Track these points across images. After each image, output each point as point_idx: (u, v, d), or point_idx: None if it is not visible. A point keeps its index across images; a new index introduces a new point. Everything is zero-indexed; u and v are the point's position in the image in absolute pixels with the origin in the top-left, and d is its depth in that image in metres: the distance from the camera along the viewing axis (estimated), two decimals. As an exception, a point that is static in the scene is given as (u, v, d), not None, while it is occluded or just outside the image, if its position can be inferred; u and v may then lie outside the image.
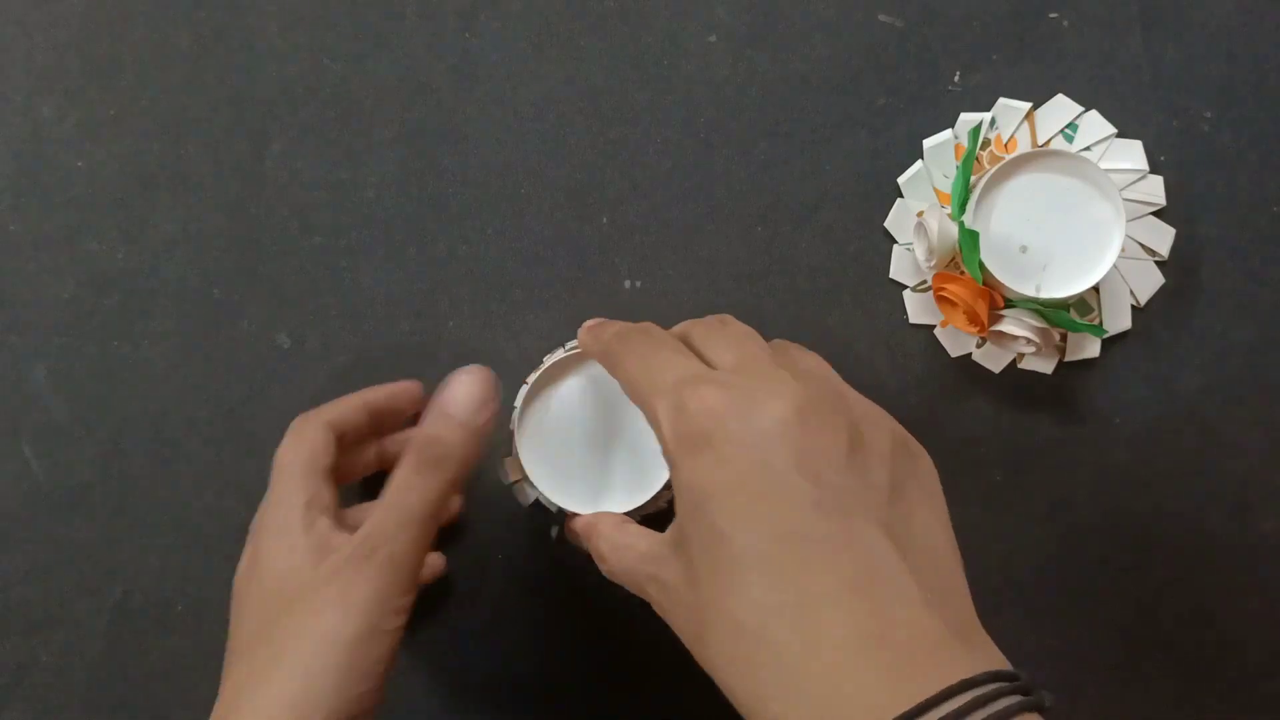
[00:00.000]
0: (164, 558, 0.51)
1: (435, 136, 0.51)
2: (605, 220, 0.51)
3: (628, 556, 0.36)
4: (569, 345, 0.46)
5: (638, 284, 0.51)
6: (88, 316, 0.51)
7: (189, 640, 0.51)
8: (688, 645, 0.33)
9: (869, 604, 0.29)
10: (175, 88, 0.51)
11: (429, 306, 0.51)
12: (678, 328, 0.39)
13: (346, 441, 0.43)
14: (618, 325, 0.39)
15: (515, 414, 0.43)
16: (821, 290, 0.50)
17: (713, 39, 0.51)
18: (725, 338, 0.36)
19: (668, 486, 0.42)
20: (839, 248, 0.51)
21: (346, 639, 0.36)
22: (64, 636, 0.51)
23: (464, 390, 0.40)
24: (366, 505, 0.44)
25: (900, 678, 0.28)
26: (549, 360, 0.44)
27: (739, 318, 0.40)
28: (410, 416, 0.46)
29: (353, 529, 0.39)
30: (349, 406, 0.43)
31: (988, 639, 0.31)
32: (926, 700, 0.27)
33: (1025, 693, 0.29)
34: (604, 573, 0.38)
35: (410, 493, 0.38)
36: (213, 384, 0.51)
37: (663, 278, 0.51)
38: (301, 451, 0.41)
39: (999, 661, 0.30)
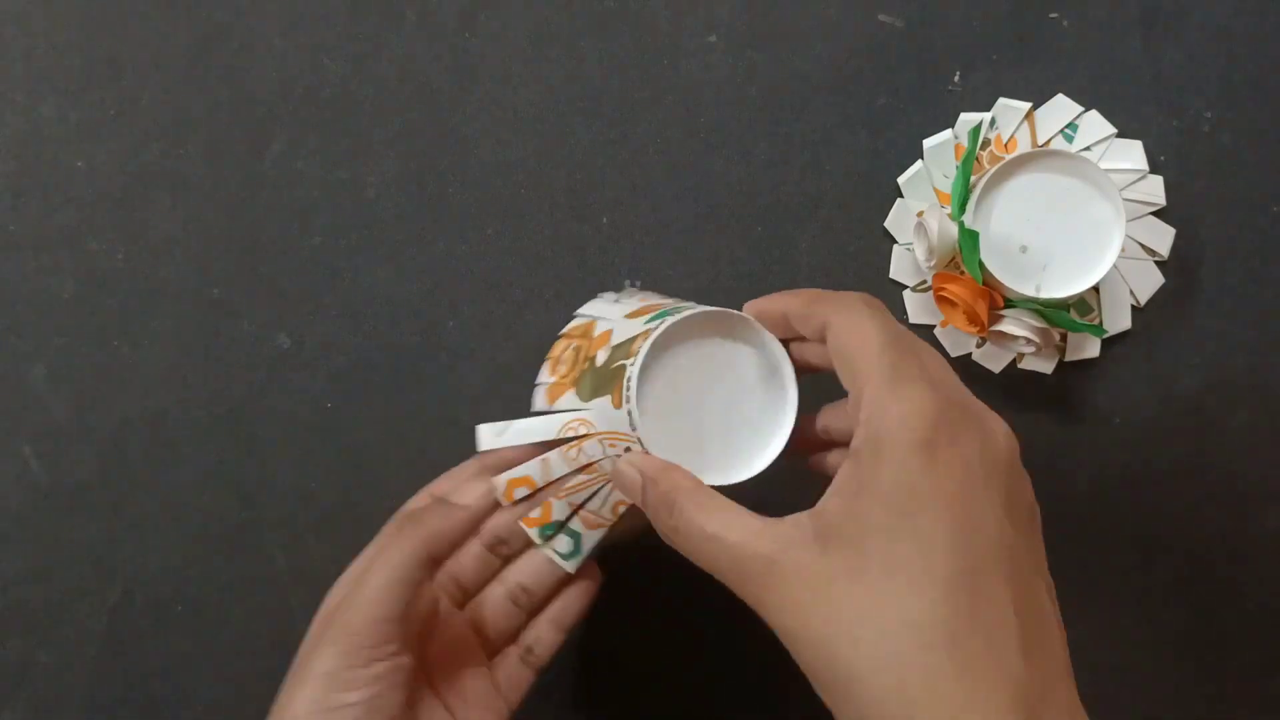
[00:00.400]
0: (164, 558, 0.51)
1: (435, 136, 0.51)
2: (605, 220, 0.51)
3: (722, 529, 0.35)
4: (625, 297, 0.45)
5: (638, 284, 0.51)
6: (88, 316, 0.51)
7: (189, 640, 0.51)
8: (794, 632, 0.32)
9: (1033, 660, 0.30)
10: (175, 88, 0.51)
11: (429, 306, 0.51)
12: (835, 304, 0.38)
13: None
14: (816, 293, 0.38)
15: (636, 367, 0.40)
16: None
17: (713, 39, 0.51)
18: (923, 354, 0.36)
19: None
20: (839, 248, 0.51)
21: (304, 713, 0.37)
22: (64, 636, 0.51)
23: (473, 490, 0.42)
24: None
25: None
26: (669, 320, 0.41)
27: (739, 318, 0.40)
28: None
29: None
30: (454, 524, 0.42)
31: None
32: None
33: None
34: (667, 530, 0.37)
35: (387, 568, 0.39)
36: (213, 384, 0.51)
37: (663, 278, 0.51)
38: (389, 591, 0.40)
39: None
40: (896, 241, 0.50)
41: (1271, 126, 0.50)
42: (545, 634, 0.43)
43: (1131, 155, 0.49)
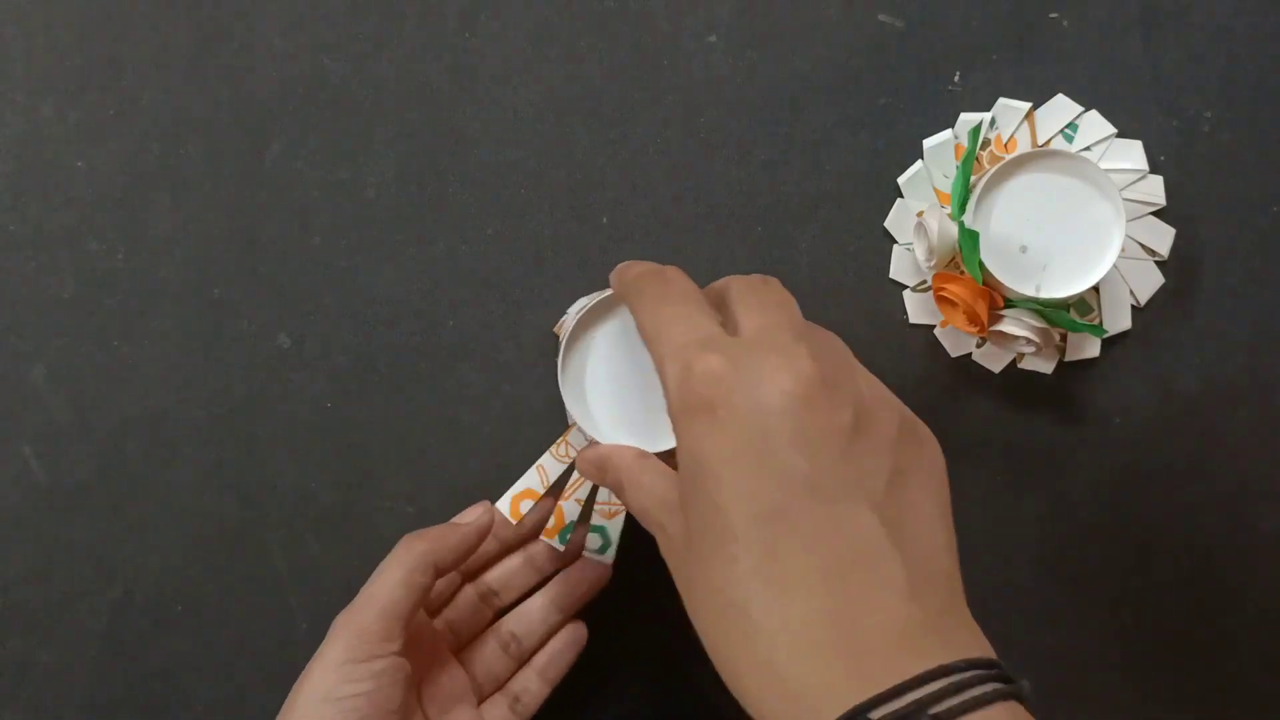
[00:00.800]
0: (164, 558, 0.51)
1: (435, 136, 0.51)
2: (605, 220, 0.51)
3: (643, 498, 0.36)
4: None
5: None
6: (88, 316, 0.51)
7: (189, 640, 0.51)
8: (682, 597, 0.33)
9: (847, 590, 0.29)
10: (175, 88, 0.51)
11: (429, 306, 0.51)
12: (720, 282, 0.38)
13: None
14: (641, 267, 0.39)
15: (561, 347, 0.43)
16: (821, 290, 0.50)
17: (713, 39, 0.51)
18: (756, 301, 0.35)
19: None
20: (839, 248, 0.51)
21: (310, 701, 0.39)
22: (64, 637, 0.51)
23: (471, 514, 0.44)
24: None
25: (865, 666, 0.28)
26: (589, 301, 0.43)
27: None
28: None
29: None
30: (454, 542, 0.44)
31: (975, 629, 0.31)
32: (890, 689, 0.27)
33: (1004, 681, 0.29)
34: (625, 505, 0.38)
35: (393, 573, 0.41)
36: (213, 384, 0.51)
37: (663, 278, 0.51)
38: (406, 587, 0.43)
39: (981, 650, 0.30)
40: (896, 241, 0.50)
41: (1271, 126, 0.50)
42: (533, 685, 0.46)
43: (1131, 155, 0.49)
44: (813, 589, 0.29)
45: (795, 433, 0.31)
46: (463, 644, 0.46)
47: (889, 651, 0.29)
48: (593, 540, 0.46)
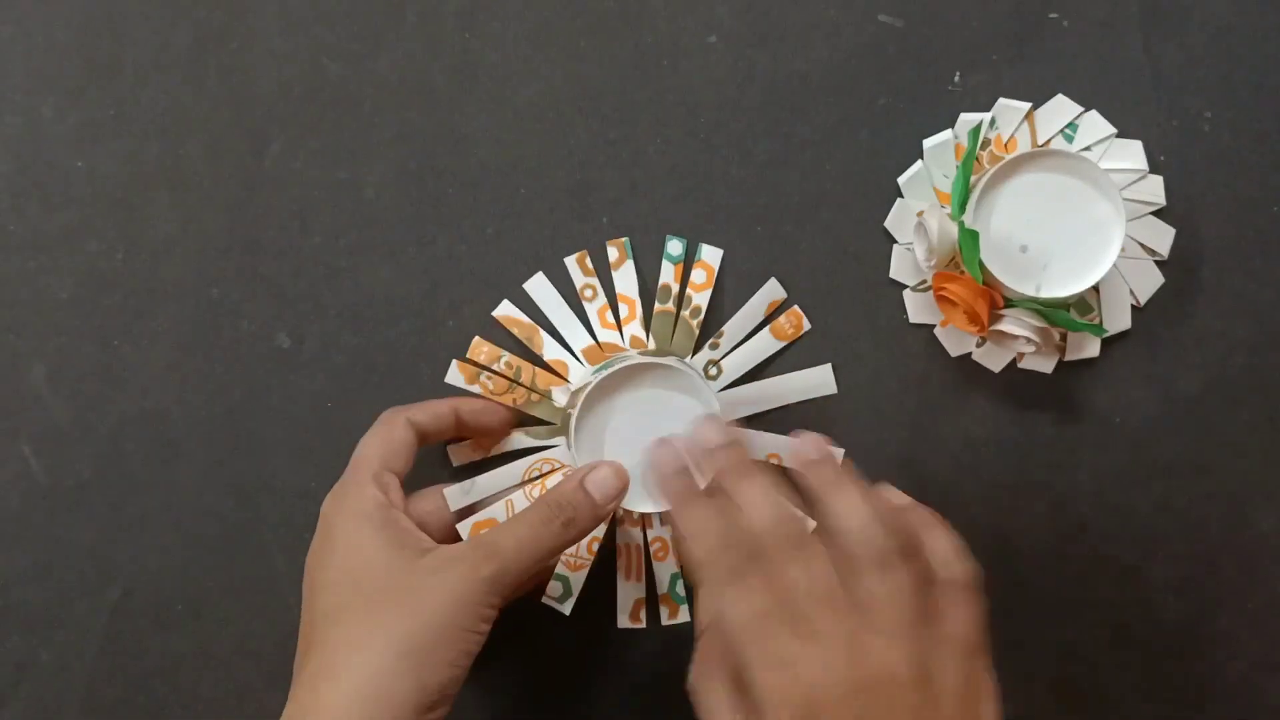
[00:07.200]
0: (164, 558, 0.51)
1: (435, 136, 0.51)
2: (605, 220, 0.51)
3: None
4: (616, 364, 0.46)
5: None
6: (88, 316, 0.51)
7: (188, 640, 0.51)
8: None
9: None
10: (175, 88, 0.51)
11: (429, 306, 0.51)
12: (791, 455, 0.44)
13: (428, 441, 0.47)
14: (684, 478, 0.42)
15: (573, 420, 0.45)
16: (821, 290, 0.50)
17: (713, 39, 0.51)
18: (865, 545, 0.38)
19: None
20: (839, 248, 0.51)
21: (434, 630, 0.38)
22: (64, 636, 0.51)
23: (606, 479, 0.43)
24: (427, 492, 0.47)
25: None
26: (606, 371, 0.45)
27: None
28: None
29: (416, 521, 0.44)
30: (437, 411, 0.47)
31: None
32: None
33: None
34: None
35: (535, 532, 0.41)
36: (213, 384, 0.51)
37: (663, 278, 0.51)
38: (385, 445, 0.45)
39: None
40: (896, 241, 0.50)
41: (1271, 126, 0.50)
42: None
43: (1131, 155, 0.49)
44: None
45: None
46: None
47: None
48: (554, 588, 0.47)
